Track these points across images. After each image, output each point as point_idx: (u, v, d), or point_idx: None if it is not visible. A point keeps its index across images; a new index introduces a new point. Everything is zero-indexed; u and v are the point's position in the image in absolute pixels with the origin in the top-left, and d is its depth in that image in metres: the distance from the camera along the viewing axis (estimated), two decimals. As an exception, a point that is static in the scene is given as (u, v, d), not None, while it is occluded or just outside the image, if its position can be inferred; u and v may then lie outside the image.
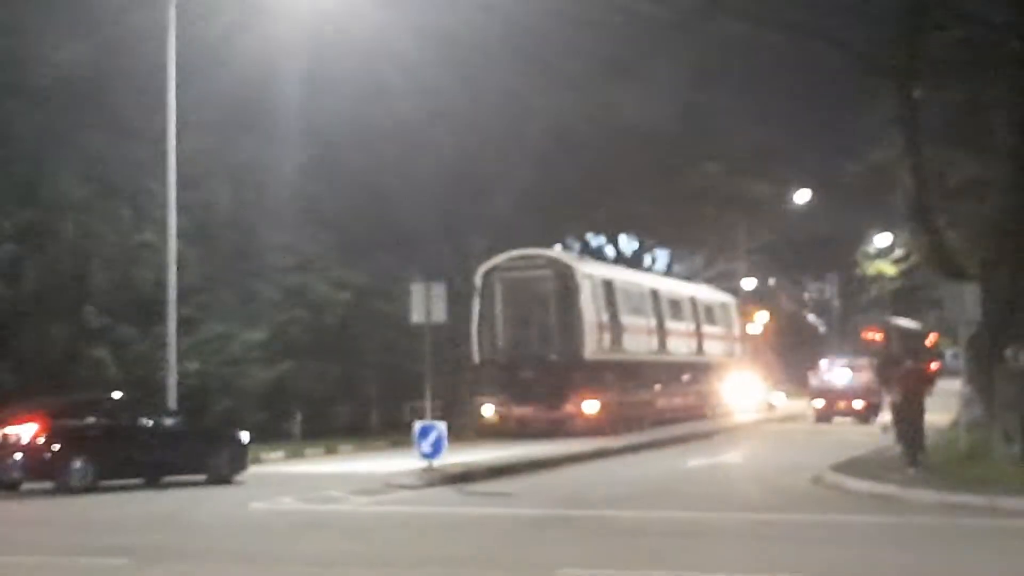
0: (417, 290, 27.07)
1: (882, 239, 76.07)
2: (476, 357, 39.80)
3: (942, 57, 31.80)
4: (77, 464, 23.90)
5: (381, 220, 43.97)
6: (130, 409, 26.76)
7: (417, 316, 27.03)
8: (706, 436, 39.13)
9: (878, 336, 77.05)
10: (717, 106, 53.87)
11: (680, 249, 70.73)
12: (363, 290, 42.27)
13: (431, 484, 23.84)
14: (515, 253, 41.04)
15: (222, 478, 25.82)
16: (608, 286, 40.89)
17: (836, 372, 49.99)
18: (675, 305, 46.75)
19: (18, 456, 23.90)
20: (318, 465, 30.68)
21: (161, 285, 32.24)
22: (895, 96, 31.30)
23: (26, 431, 23.94)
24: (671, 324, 45.46)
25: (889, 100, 31.70)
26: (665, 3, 34.07)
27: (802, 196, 67.03)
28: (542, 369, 38.72)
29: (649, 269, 61.97)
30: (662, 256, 69.39)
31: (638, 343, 42.39)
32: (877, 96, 32.94)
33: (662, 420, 42.67)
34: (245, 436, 27.17)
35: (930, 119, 33.31)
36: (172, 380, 31.37)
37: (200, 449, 26.09)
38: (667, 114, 49.11)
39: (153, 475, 25.34)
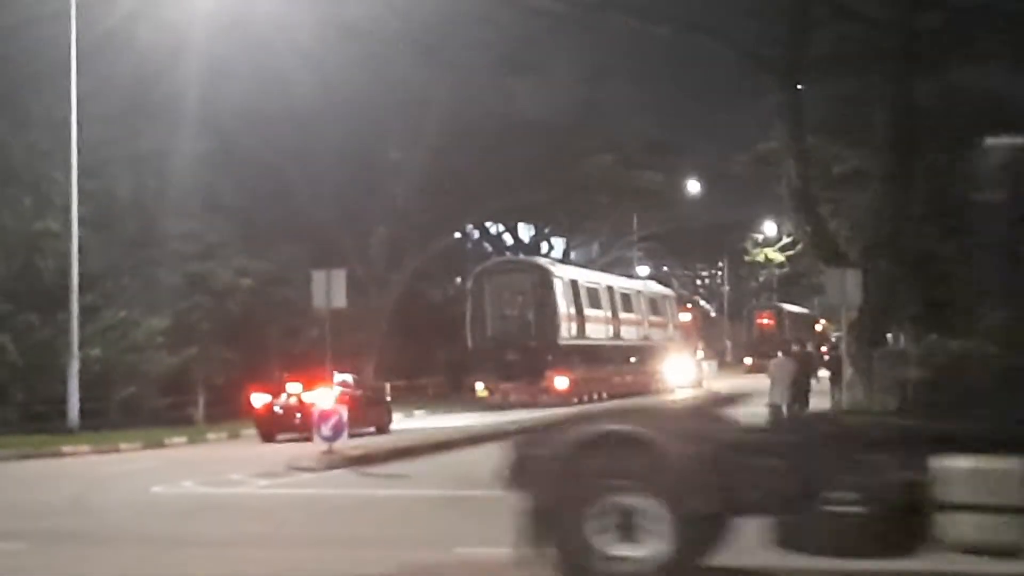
0: (318, 277, 27.48)
1: (769, 227, 77.35)
2: (469, 343, 47.55)
3: (825, 52, 32.80)
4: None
5: (282, 208, 44.43)
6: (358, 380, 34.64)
7: (318, 302, 27.57)
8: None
9: (771, 322, 79.46)
10: (611, 99, 55.99)
11: (576, 237, 71.92)
12: (265, 277, 42.62)
13: (332, 467, 23.76)
14: (502, 259, 54.23)
15: (383, 430, 33.69)
16: (575, 284, 48.79)
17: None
18: (626, 299, 54.79)
19: (298, 415, 31.14)
20: (222, 449, 31.00)
21: (64, 272, 32.36)
22: (780, 90, 32.23)
23: (321, 397, 28.87)
24: (623, 315, 53.54)
25: (774, 93, 32.66)
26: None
27: (693, 186, 68.86)
28: (523, 352, 46.11)
29: (547, 256, 63.01)
30: (559, 244, 70.45)
31: (598, 330, 50.26)
32: (763, 90, 33.92)
33: (616, 394, 48.41)
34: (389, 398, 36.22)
35: (813, 112, 34.46)
36: (75, 367, 31.59)
37: (375, 409, 34.12)
38: (563, 106, 50.66)
39: (357, 428, 29.59)
